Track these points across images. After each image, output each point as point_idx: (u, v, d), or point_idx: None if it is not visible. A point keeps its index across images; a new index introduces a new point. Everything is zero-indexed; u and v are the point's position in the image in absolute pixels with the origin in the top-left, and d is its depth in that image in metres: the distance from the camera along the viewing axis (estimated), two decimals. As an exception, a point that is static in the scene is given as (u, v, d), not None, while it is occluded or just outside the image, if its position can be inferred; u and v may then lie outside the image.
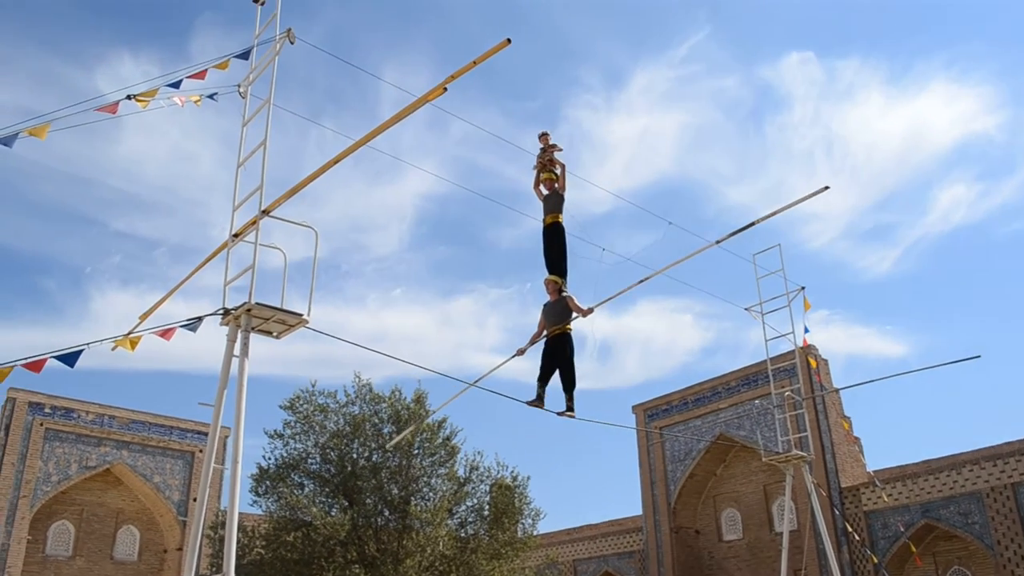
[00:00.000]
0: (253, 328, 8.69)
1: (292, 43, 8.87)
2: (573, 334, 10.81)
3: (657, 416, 33.31)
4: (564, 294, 10.81)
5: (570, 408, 10.68)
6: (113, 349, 9.62)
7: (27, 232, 65.83)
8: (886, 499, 25.65)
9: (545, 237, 11.22)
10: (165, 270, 69.23)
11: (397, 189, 76.09)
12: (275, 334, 9.01)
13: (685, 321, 73.26)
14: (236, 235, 9.02)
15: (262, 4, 9.76)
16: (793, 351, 21.77)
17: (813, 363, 24.79)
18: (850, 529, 25.76)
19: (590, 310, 10.57)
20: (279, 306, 8.62)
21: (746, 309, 20.69)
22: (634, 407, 34.38)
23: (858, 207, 73.35)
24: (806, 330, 20.90)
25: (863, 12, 73.94)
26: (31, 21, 67.02)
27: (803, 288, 20.37)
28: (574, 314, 10.63)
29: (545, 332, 10.80)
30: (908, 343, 71.01)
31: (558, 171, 11.65)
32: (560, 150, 11.79)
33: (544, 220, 11.33)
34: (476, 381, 11.47)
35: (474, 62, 6.66)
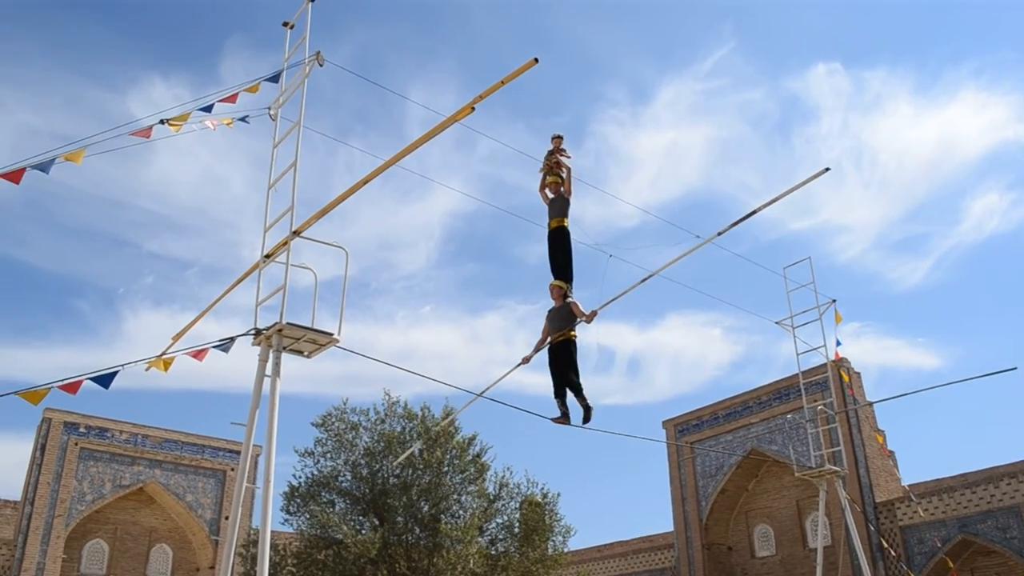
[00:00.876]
0: (284, 348, 8.75)
1: (321, 65, 8.97)
2: (579, 342, 10.49)
3: (688, 431, 33.07)
4: (568, 299, 10.59)
5: (587, 409, 10.39)
6: (147, 370, 9.74)
7: (61, 254, 66.91)
8: (922, 514, 25.24)
9: (550, 241, 11.03)
10: (196, 290, 69.99)
11: (425, 207, 76.51)
12: (306, 353, 9.07)
13: (714, 335, 72.83)
14: (268, 256, 9.12)
15: (291, 28, 9.90)
16: (825, 364, 21.56)
17: (845, 377, 24.52)
18: (885, 545, 25.37)
19: (593, 314, 10.36)
20: (310, 326, 8.68)
21: (777, 323, 20.58)
22: (664, 422, 34.16)
23: (888, 218, 72.70)
24: (838, 343, 20.74)
25: (890, 22, 73.54)
26: (65, 47, 68.36)
27: (834, 301, 20.23)
28: (578, 320, 10.41)
29: (549, 340, 10.54)
30: (941, 355, 70.10)
31: (564, 174, 11.39)
32: (568, 156, 11.57)
33: (549, 224, 11.13)
34: (483, 392, 11.20)
35: (502, 82, 6.69)
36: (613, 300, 10.80)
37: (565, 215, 11.09)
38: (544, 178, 11.52)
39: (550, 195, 11.41)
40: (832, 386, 23.91)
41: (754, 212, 10.51)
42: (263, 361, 8.80)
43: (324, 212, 8.45)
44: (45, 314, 71.30)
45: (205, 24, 78.32)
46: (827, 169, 10.12)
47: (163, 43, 75.75)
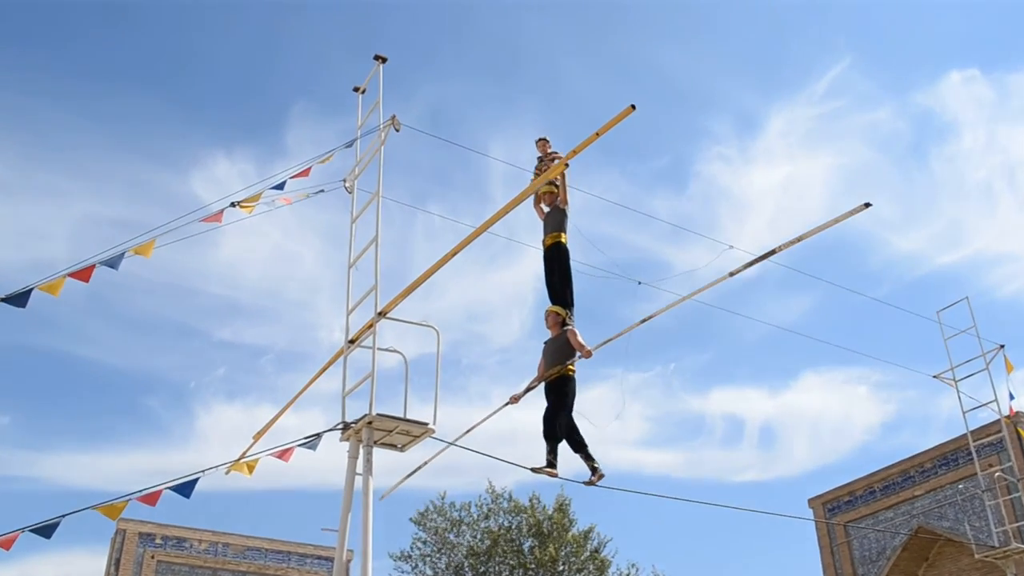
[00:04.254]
0: (375, 442, 8.70)
1: (397, 130, 9.23)
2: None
3: (839, 509, 31.95)
4: (566, 328, 10.09)
5: (594, 471, 9.78)
6: (227, 473, 10.00)
7: (127, 349, 69.65)
8: None
9: (545, 262, 10.59)
10: (272, 380, 71.71)
11: (515, 272, 76.93)
12: (400, 447, 9.03)
13: (860, 394, 70.46)
14: (352, 341, 9.25)
15: (363, 93, 10.29)
16: (998, 422, 20.68)
17: (1025, 435, 23.42)
18: (1095, 635, 23.80)
19: (590, 352, 9.82)
20: (402, 416, 8.64)
21: (934, 376, 19.92)
22: (810, 500, 33.10)
23: (1056, 242, 69.80)
24: (1011, 396, 19.90)
25: (1036, 17, 71.69)
26: (122, 128, 72.31)
27: (1002, 346, 19.49)
28: (577, 353, 9.86)
29: (544, 376, 10.07)
30: None
31: (559, 181, 10.75)
32: (560, 157, 10.78)
33: (544, 242, 10.73)
34: (456, 440, 10.19)
35: (596, 134, 6.79)
36: (611, 339, 10.42)
37: (562, 229, 10.64)
38: (537, 190, 10.96)
39: (545, 208, 10.97)
40: (1010, 447, 22.82)
41: (774, 251, 10.26)
42: (352, 458, 8.81)
43: (411, 290, 8.58)
44: (115, 415, 74.11)
45: (266, 93, 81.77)
46: (868, 204, 9.65)
47: (224, 118, 79.39)
